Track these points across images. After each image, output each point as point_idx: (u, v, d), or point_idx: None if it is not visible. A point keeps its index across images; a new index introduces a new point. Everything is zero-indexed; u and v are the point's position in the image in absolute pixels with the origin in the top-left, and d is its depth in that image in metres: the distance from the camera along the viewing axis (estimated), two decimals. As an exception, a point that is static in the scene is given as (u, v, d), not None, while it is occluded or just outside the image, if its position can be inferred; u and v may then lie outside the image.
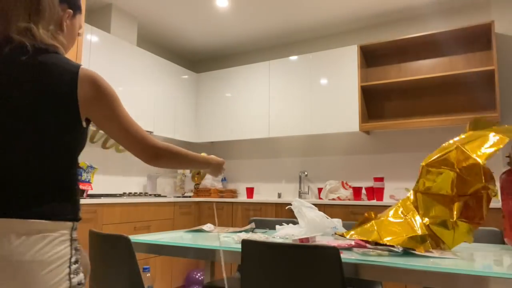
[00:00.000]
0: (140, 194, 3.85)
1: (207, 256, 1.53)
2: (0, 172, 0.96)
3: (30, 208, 0.94)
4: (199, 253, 1.55)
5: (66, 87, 0.99)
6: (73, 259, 0.99)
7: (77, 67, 1.03)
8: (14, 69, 0.97)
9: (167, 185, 4.71)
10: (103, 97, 1.04)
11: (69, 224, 0.99)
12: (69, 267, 0.97)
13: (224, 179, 4.73)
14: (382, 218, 1.62)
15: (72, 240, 1.00)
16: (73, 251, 0.99)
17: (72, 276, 0.97)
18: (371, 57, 4.02)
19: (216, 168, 1.44)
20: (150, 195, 3.94)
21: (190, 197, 4.29)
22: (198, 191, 4.51)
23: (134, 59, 3.86)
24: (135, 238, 1.78)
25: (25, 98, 0.97)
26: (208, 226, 2.19)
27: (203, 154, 1.38)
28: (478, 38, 3.54)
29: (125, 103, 3.94)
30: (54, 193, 0.99)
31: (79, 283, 0.99)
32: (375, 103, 3.98)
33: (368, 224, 1.62)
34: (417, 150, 3.76)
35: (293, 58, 4.17)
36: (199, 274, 3.88)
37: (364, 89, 3.83)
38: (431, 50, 3.76)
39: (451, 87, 3.65)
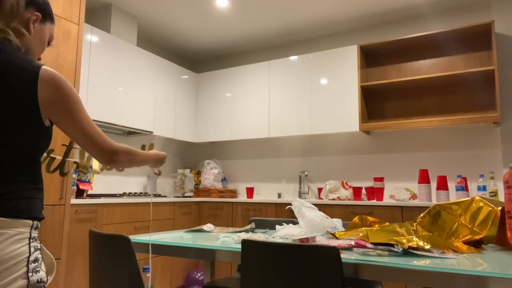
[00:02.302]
0: (140, 194, 3.85)
1: (207, 256, 1.53)
2: None
3: None
4: (199, 253, 1.55)
5: (26, 88, 1.00)
6: (31, 258, 0.99)
7: (38, 67, 1.03)
8: None
9: (167, 185, 4.72)
10: (64, 99, 1.05)
11: (29, 222, 1.00)
12: (27, 265, 0.98)
13: (224, 179, 4.73)
14: (375, 227, 1.69)
15: (31, 238, 1.00)
16: (32, 250, 1.00)
17: (30, 274, 0.98)
18: (371, 57, 4.02)
19: (158, 162, 1.46)
20: (150, 195, 3.94)
21: (190, 197, 4.30)
22: (198, 191, 4.51)
23: (134, 59, 3.86)
24: (135, 238, 1.78)
25: None
26: (208, 226, 2.19)
27: (150, 149, 1.45)
28: (478, 38, 3.54)
29: (125, 103, 3.93)
30: (14, 191, 0.99)
31: (39, 281, 1.00)
32: (375, 103, 3.98)
33: (359, 229, 1.72)
34: (417, 150, 3.76)
35: (293, 58, 4.17)
36: (199, 274, 3.88)
37: (364, 89, 3.83)
38: (431, 50, 3.76)
39: (451, 87, 3.65)
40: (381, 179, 3.54)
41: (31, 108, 1.01)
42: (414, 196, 3.52)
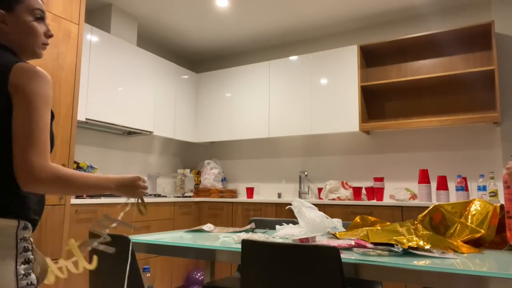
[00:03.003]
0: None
1: (207, 256, 1.53)
2: None
3: None
4: (199, 253, 1.55)
5: (2, 78, 0.96)
6: (20, 259, 0.95)
7: (14, 62, 0.99)
8: None
9: (167, 185, 4.71)
10: (27, 85, 0.95)
11: (8, 221, 0.95)
12: (16, 269, 0.94)
13: (224, 179, 4.73)
14: (377, 227, 1.70)
15: (18, 239, 0.95)
16: (20, 250, 0.95)
17: (20, 277, 0.94)
18: (371, 57, 4.02)
19: (127, 189, 1.14)
20: (150, 195, 3.94)
21: (190, 197, 4.29)
22: (198, 191, 4.51)
23: (134, 59, 3.86)
24: (135, 238, 1.78)
25: None
26: (208, 226, 2.19)
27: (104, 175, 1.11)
28: (478, 38, 3.54)
29: (125, 103, 3.91)
30: None
31: (29, 284, 0.96)
32: (375, 103, 3.98)
33: (359, 230, 1.72)
34: (417, 150, 3.76)
35: (293, 58, 4.17)
36: (199, 274, 3.88)
37: (364, 89, 3.83)
38: (431, 50, 3.76)
39: (451, 87, 3.65)
40: (381, 179, 3.54)
41: (4, 95, 0.96)
42: (414, 196, 3.52)
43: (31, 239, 1.03)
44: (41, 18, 1.11)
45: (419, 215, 1.73)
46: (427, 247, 1.37)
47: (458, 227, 1.61)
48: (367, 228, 1.70)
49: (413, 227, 1.61)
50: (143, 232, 3.43)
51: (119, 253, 1.50)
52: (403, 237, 1.45)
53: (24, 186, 0.93)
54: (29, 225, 1.00)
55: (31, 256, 0.99)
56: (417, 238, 1.43)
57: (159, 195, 4.05)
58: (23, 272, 0.95)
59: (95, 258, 1.12)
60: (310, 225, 1.85)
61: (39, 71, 0.99)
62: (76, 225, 2.86)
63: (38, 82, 0.97)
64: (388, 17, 3.97)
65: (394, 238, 1.43)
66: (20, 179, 0.92)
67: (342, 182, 3.86)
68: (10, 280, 0.92)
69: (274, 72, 4.26)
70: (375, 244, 1.44)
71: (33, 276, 0.98)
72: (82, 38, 2.79)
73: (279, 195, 4.41)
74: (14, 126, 0.94)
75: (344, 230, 1.90)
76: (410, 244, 1.37)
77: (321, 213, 1.94)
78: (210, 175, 4.54)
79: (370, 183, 3.89)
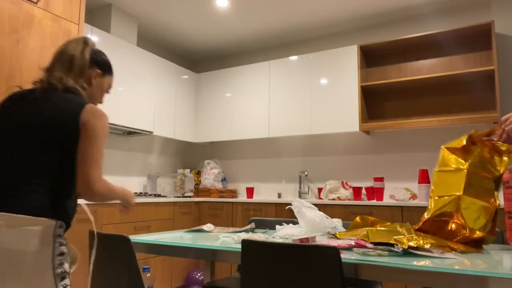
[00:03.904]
0: (140, 194, 3.85)
1: (207, 256, 1.53)
2: None
3: (14, 204, 1.16)
4: (199, 253, 1.55)
5: (72, 115, 1.27)
6: (56, 252, 1.17)
7: (85, 102, 1.31)
8: (46, 99, 1.30)
9: (167, 185, 4.71)
10: (94, 121, 1.27)
11: (49, 221, 1.17)
12: (52, 259, 1.15)
13: (224, 179, 4.73)
14: (377, 227, 1.70)
15: (55, 235, 1.18)
16: (56, 245, 1.18)
17: (56, 266, 1.16)
18: (371, 57, 4.02)
19: (126, 200, 1.52)
20: (150, 195, 3.94)
21: (190, 197, 4.29)
22: (198, 191, 4.51)
23: (134, 59, 3.86)
24: (135, 238, 1.78)
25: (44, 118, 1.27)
26: (208, 226, 2.19)
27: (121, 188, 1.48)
28: (478, 38, 3.54)
29: (125, 103, 3.90)
30: (38, 194, 1.19)
31: (63, 272, 1.18)
32: (375, 103, 3.98)
33: (359, 230, 1.72)
34: (417, 150, 3.76)
35: (293, 58, 4.17)
36: (199, 274, 3.88)
37: (364, 89, 3.83)
38: (431, 50, 3.76)
39: (451, 87, 3.65)
40: (381, 179, 3.54)
41: (75, 129, 1.26)
42: (414, 196, 3.52)
43: (64, 235, 1.26)
44: (107, 92, 1.59)
45: (415, 225, 1.68)
46: (427, 246, 1.37)
47: (454, 226, 1.58)
48: (367, 228, 1.70)
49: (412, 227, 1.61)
50: (143, 232, 3.43)
51: (119, 253, 1.50)
52: (403, 237, 1.44)
53: (86, 196, 1.25)
54: (64, 225, 1.24)
55: (65, 250, 1.21)
56: (417, 237, 1.43)
57: (159, 195, 4.05)
58: (58, 262, 1.17)
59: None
60: (310, 225, 1.85)
61: (102, 112, 1.33)
62: (76, 225, 2.86)
63: (103, 121, 1.31)
64: (388, 17, 3.97)
65: (394, 238, 1.43)
66: (83, 190, 1.23)
67: (342, 182, 3.86)
68: (49, 269, 1.14)
69: (274, 72, 4.26)
70: (375, 244, 1.44)
71: (66, 265, 1.20)
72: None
73: (279, 195, 4.40)
74: (81, 151, 1.25)
75: (344, 230, 1.90)
76: (410, 243, 1.37)
77: (321, 213, 1.94)
78: (210, 175, 4.54)
79: (370, 183, 3.89)
